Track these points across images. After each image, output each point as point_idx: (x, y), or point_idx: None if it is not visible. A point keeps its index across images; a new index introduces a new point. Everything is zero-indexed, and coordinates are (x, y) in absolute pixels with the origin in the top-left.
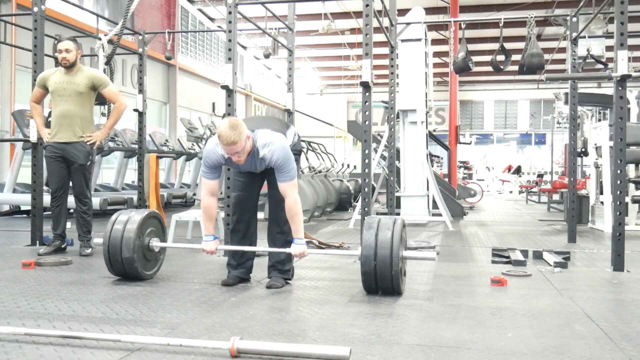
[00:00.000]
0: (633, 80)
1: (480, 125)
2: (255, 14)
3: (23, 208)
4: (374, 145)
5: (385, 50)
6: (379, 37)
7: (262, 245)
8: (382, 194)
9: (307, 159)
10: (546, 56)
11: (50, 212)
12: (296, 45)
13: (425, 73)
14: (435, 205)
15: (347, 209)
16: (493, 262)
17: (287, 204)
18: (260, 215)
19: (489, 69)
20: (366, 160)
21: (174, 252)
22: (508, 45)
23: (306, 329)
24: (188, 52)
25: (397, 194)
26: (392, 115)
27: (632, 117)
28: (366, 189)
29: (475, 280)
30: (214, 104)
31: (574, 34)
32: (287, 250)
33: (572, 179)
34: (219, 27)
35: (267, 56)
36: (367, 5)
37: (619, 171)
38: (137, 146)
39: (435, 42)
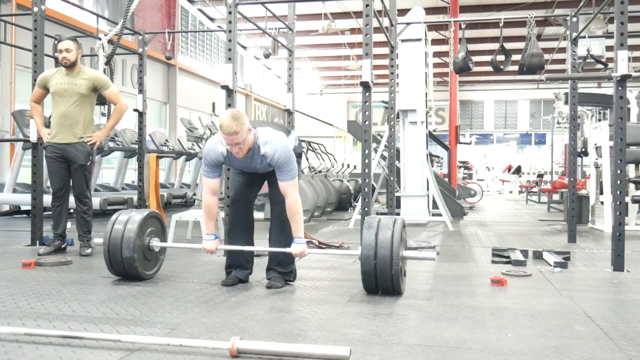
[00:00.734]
0: (633, 80)
1: (480, 125)
2: (255, 14)
3: (23, 208)
4: (374, 145)
5: (385, 50)
6: (379, 37)
7: (262, 245)
8: (382, 194)
9: (307, 159)
10: (546, 56)
11: (50, 212)
12: (296, 45)
13: (425, 73)
14: (435, 205)
15: (347, 209)
16: (493, 262)
17: (288, 203)
18: (260, 215)
19: (489, 69)
20: (366, 160)
21: (174, 252)
22: (508, 45)
23: (306, 329)
24: (188, 52)
25: (397, 194)
26: (392, 115)
27: (632, 117)
28: (366, 189)
29: (475, 280)
30: (214, 104)
31: (574, 34)
32: (287, 250)
33: (572, 179)
34: (219, 27)
35: (267, 56)
36: (367, 5)
37: (619, 171)
38: (137, 146)
39: (435, 42)
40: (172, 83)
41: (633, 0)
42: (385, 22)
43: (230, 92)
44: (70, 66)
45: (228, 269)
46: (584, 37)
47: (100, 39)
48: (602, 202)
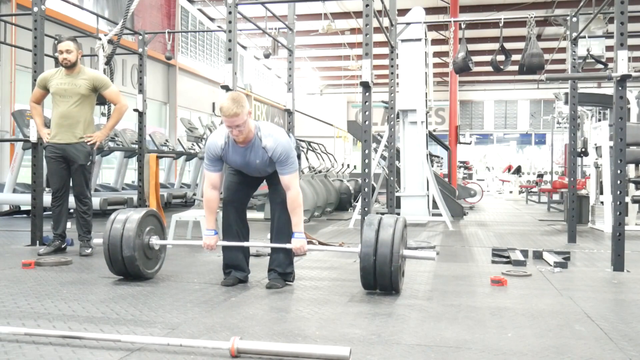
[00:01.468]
0: (633, 80)
1: (480, 125)
2: (255, 14)
3: (23, 208)
4: (374, 145)
5: (385, 50)
6: (379, 37)
7: (260, 245)
8: (382, 194)
9: (307, 159)
10: (546, 56)
11: (50, 212)
12: (296, 45)
13: (425, 73)
14: (435, 205)
15: (347, 209)
16: (493, 262)
17: (290, 196)
18: (260, 215)
19: (489, 69)
20: (366, 160)
21: (174, 252)
22: (508, 45)
23: (306, 329)
24: (188, 52)
25: (397, 194)
26: (392, 115)
27: (632, 117)
28: (366, 189)
29: (475, 280)
30: (214, 104)
31: (574, 34)
32: (287, 245)
33: (572, 179)
34: (219, 27)
35: (267, 56)
36: (367, 5)
37: (619, 171)
38: (137, 146)
39: (435, 42)
40: (172, 83)
41: (633, 0)
42: (385, 22)
43: None
44: (71, 67)
45: (226, 270)
46: (584, 37)
47: (100, 39)
48: (602, 202)
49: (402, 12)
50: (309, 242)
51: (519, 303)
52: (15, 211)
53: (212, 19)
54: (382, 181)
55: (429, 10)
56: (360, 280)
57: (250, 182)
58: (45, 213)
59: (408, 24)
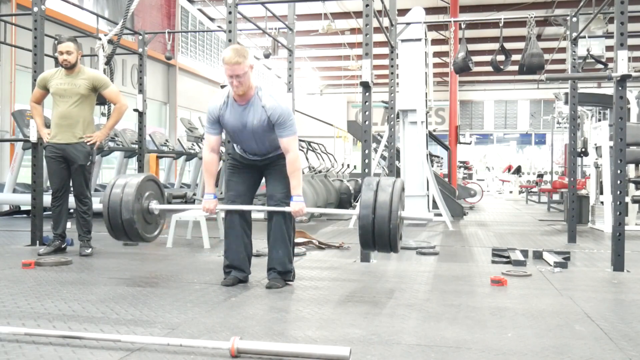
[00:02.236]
0: (633, 80)
1: (480, 125)
2: (255, 14)
3: (23, 208)
4: (374, 145)
5: (385, 50)
6: (379, 37)
7: (260, 245)
8: None
9: (307, 159)
10: (546, 56)
11: (50, 212)
12: (296, 45)
13: (425, 73)
14: (435, 205)
15: (347, 209)
16: (493, 262)
17: (289, 159)
18: (260, 215)
19: (489, 69)
20: (366, 160)
21: (174, 252)
22: (508, 45)
23: (306, 329)
24: (188, 52)
25: None
26: (392, 115)
27: (632, 117)
28: None
29: (475, 280)
30: None
31: (574, 34)
32: (286, 208)
33: (572, 179)
34: (219, 27)
35: (267, 56)
36: (367, 5)
37: (619, 171)
38: (137, 146)
39: (435, 42)
40: (172, 83)
41: (633, 0)
42: (385, 22)
43: None
44: (71, 67)
45: (227, 269)
46: (584, 37)
47: (100, 39)
48: (602, 202)
49: (402, 12)
50: (309, 243)
51: (519, 303)
52: (15, 211)
53: (212, 19)
54: None
55: (429, 10)
56: (360, 281)
57: (252, 179)
58: (45, 213)
59: (408, 24)
